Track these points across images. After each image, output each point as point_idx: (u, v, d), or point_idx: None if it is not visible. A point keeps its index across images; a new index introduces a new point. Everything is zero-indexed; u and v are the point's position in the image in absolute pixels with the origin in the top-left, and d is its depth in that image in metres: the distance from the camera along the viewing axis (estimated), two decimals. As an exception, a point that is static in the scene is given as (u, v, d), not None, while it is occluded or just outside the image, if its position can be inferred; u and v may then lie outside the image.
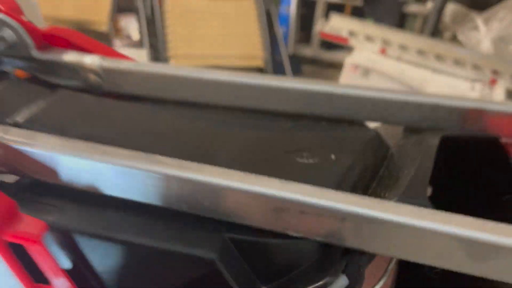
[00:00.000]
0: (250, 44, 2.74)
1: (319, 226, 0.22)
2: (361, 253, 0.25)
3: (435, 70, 2.38)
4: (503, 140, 0.34)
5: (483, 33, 2.57)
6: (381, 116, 0.36)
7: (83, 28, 2.43)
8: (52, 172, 0.25)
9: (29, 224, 0.25)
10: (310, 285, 0.23)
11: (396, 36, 2.51)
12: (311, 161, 0.30)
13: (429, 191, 0.32)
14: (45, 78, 0.38)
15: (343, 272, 0.24)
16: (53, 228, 0.24)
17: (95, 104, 0.35)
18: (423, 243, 0.22)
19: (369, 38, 2.52)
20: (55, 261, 0.25)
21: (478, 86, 2.26)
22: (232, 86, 0.38)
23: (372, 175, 0.29)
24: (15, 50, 0.38)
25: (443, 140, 0.32)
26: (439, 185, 0.32)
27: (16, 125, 0.29)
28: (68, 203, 0.26)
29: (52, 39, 0.41)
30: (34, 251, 0.25)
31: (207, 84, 0.38)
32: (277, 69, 2.85)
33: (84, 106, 0.35)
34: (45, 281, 0.25)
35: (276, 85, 0.38)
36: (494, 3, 2.92)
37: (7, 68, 0.40)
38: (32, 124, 0.29)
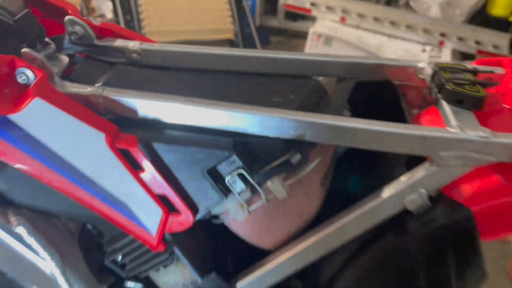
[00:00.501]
0: (220, 18, 2.89)
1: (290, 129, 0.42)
2: (309, 143, 0.45)
3: (390, 36, 2.61)
4: (394, 83, 0.55)
5: (432, -1, 2.81)
6: (321, 73, 0.57)
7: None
8: (132, 110, 0.44)
9: (127, 138, 0.44)
10: (279, 158, 0.44)
11: (354, 6, 2.71)
12: (280, 99, 0.50)
13: (348, 113, 0.54)
14: (102, 58, 0.56)
15: (300, 151, 0.45)
16: (139, 139, 0.43)
17: (141, 72, 0.54)
18: (351, 135, 0.42)
19: (329, 8, 2.72)
20: (144, 156, 0.44)
21: (428, 48, 2.50)
22: (226, 57, 0.58)
23: (316, 105, 0.50)
24: (82, 40, 0.56)
25: (357, 84, 0.53)
26: (356, 112, 0.53)
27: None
28: (144, 127, 0.45)
29: (102, 31, 0.60)
30: (133, 152, 0.44)
31: (207, 56, 0.57)
32: (246, 40, 3.00)
33: (135, 74, 0.54)
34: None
35: (255, 55, 0.57)
36: (444, -30, 3.14)
37: (72, 51, 0.58)
38: (110, 85, 0.47)
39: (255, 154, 0.46)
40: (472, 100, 0.45)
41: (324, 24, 2.64)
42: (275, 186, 0.45)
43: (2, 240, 0.51)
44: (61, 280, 0.53)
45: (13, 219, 0.51)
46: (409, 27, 2.57)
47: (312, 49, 2.62)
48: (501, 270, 1.90)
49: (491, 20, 2.75)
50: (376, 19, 2.62)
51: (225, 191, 0.46)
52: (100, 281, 0.57)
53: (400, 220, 0.48)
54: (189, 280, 0.54)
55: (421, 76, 0.54)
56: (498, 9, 2.79)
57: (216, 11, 2.87)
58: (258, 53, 0.59)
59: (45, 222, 0.53)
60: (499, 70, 0.54)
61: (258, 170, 0.45)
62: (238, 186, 0.45)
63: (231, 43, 2.94)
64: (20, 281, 0.54)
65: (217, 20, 2.87)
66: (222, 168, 0.45)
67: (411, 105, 0.57)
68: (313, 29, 2.59)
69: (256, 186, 0.45)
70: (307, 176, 0.48)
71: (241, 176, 0.45)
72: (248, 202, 0.47)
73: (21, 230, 0.51)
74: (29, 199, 0.51)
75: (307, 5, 2.74)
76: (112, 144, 0.43)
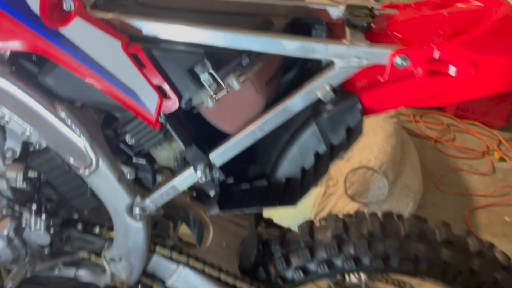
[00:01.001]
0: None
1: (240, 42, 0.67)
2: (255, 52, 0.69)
3: None
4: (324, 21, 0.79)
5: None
6: (274, 13, 0.81)
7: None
8: (138, 30, 0.69)
9: (135, 46, 0.69)
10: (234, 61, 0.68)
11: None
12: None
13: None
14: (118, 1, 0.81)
15: (248, 57, 0.69)
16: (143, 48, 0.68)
17: (148, 10, 0.78)
18: (276, 45, 0.66)
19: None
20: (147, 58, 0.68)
21: None
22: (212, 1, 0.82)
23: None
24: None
25: (293, 20, 0.77)
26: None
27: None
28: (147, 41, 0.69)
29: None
30: (139, 55, 0.69)
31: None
32: None
33: (143, 11, 0.78)
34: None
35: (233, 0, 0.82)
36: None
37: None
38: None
39: (219, 59, 0.70)
40: (359, 24, 0.69)
41: None
42: (232, 80, 0.69)
43: (51, 122, 0.76)
44: (90, 152, 0.77)
45: (58, 107, 0.75)
46: None
47: None
48: (460, 217, 2.16)
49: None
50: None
51: (200, 85, 0.70)
52: (116, 158, 0.82)
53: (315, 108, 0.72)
54: (177, 152, 0.79)
55: (339, 15, 0.78)
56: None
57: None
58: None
59: (79, 111, 0.77)
60: (394, 11, 0.77)
61: (221, 69, 0.69)
62: (208, 81, 0.69)
63: None
64: (61, 153, 0.79)
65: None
66: (198, 69, 0.69)
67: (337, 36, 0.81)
68: None
69: (220, 81, 0.69)
70: (255, 76, 0.72)
71: (210, 74, 0.69)
72: (215, 93, 0.71)
73: (63, 115, 0.75)
74: (70, 93, 0.75)
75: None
76: (125, 49, 0.67)
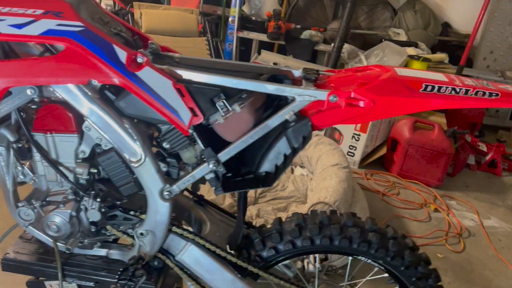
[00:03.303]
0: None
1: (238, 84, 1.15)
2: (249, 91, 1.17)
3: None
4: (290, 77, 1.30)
5: (364, 64, 3.70)
6: (260, 72, 1.32)
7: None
8: (179, 75, 1.17)
9: (179, 85, 1.15)
10: (237, 96, 1.15)
11: (305, 66, 3.57)
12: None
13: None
14: (164, 60, 1.30)
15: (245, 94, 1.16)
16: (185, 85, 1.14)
17: (184, 66, 1.28)
18: (265, 88, 1.14)
19: (288, 67, 3.57)
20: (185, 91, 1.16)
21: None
22: (224, 63, 1.32)
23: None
24: (155, 51, 1.30)
25: (271, 76, 1.28)
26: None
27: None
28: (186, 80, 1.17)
29: (163, 49, 1.34)
30: (180, 88, 1.15)
31: (216, 62, 1.32)
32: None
33: (181, 66, 1.27)
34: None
35: (237, 63, 1.33)
36: (377, 44, 4.10)
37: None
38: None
39: (229, 93, 1.18)
40: (310, 78, 1.20)
41: (283, 77, 3.44)
42: (235, 106, 1.17)
43: (119, 130, 1.20)
44: (140, 150, 1.21)
45: (124, 121, 1.20)
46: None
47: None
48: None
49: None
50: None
51: (216, 109, 1.18)
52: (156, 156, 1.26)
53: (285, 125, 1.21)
54: (198, 152, 1.24)
55: (299, 74, 1.29)
56: (412, 74, 3.71)
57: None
58: (237, 62, 1.33)
59: (136, 125, 1.22)
60: (331, 74, 1.30)
61: (229, 99, 1.17)
62: (221, 106, 1.17)
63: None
64: (121, 151, 1.22)
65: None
66: (215, 99, 1.17)
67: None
68: (274, 80, 3.39)
69: (229, 106, 1.17)
70: (249, 104, 1.20)
71: (223, 102, 1.17)
72: (225, 114, 1.19)
73: (127, 125, 1.20)
74: (132, 112, 1.21)
75: (271, 64, 3.56)
76: (174, 85, 1.15)
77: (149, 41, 1.30)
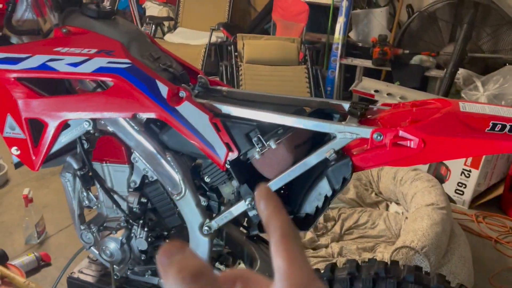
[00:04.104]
0: (300, 94, 3.68)
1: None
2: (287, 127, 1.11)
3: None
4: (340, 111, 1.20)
5: (481, 91, 3.30)
6: (307, 105, 1.24)
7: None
8: (219, 110, 1.17)
9: (215, 119, 1.15)
10: (274, 132, 1.10)
11: (411, 94, 3.32)
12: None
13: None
14: (211, 94, 1.31)
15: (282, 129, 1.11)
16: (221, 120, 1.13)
17: (228, 99, 1.27)
18: (308, 125, 1.08)
19: (390, 95, 3.36)
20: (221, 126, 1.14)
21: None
22: (272, 97, 1.29)
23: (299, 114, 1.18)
24: (203, 85, 1.33)
25: (317, 110, 1.19)
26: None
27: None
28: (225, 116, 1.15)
29: (212, 83, 1.36)
30: (217, 123, 1.14)
31: (263, 96, 1.29)
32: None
33: (225, 100, 1.27)
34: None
35: (284, 97, 1.27)
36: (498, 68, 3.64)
37: (199, 90, 1.35)
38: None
39: (265, 128, 1.13)
40: (355, 113, 1.09)
41: (383, 106, 3.24)
42: (271, 142, 1.11)
43: (162, 162, 1.23)
44: (181, 183, 1.22)
45: (167, 154, 1.22)
46: (456, 113, 3.05)
47: (372, 125, 3.21)
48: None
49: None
50: (428, 105, 3.16)
51: (252, 144, 1.13)
52: (197, 190, 1.25)
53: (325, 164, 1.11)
54: (235, 188, 1.21)
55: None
56: (540, 103, 3.19)
57: (298, 94, 3.64)
58: (282, 95, 1.28)
59: (178, 158, 1.24)
60: (387, 108, 1.16)
61: (265, 135, 1.12)
62: (257, 142, 1.12)
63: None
64: (163, 183, 1.24)
65: (297, 94, 3.62)
66: (252, 134, 1.13)
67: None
68: (372, 109, 3.21)
69: (264, 142, 1.12)
70: (287, 140, 1.13)
71: (259, 138, 1.12)
72: (261, 150, 1.14)
73: (169, 158, 1.22)
74: (175, 146, 1.23)
75: (372, 92, 3.39)
76: (211, 120, 1.13)
77: (199, 76, 1.32)
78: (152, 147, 1.22)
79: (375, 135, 1.02)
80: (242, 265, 1.56)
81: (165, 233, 1.38)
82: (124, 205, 1.35)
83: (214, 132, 1.14)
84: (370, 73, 4.17)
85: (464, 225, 2.80)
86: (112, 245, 1.36)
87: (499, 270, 2.53)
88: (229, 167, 1.17)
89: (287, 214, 0.33)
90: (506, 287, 2.38)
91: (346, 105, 1.21)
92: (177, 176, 1.22)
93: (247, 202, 1.16)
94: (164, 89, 1.16)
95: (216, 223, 1.23)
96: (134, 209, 1.35)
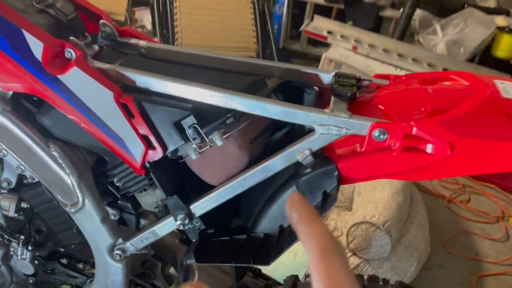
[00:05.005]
0: (245, 38, 3.21)
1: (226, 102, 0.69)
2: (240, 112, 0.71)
3: (397, 67, 2.84)
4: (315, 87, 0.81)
5: (440, 36, 3.03)
6: (269, 74, 0.84)
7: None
8: (132, 81, 0.72)
9: (126, 97, 0.73)
10: (219, 119, 0.70)
11: (367, 36, 2.97)
12: (230, 86, 0.77)
13: (275, 98, 0.80)
14: (121, 50, 0.85)
15: (233, 116, 0.71)
16: (134, 98, 0.71)
17: (143, 61, 0.83)
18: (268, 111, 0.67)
19: (343, 37, 2.99)
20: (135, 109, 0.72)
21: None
22: (206, 57, 0.85)
23: (255, 92, 0.77)
24: (109, 37, 0.86)
25: (283, 83, 0.79)
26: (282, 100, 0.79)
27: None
28: (139, 91, 0.73)
29: (123, 33, 0.89)
30: (129, 106, 0.72)
31: (194, 55, 0.86)
32: (267, 59, 3.30)
33: (139, 61, 0.82)
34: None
35: (229, 59, 0.85)
36: (458, 11, 3.37)
37: (102, 44, 0.88)
38: (122, 65, 0.75)
39: (205, 115, 0.72)
40: (344, 94, 0.71)
41: (337, 50, 2.90)
42: (215, 137, 0.72)
43: (43, 159, 0.79)
44: (77, 191, 0.80)
45: (51, 145, 0.79)
46: (415, 60, 2.80)
47: (324, 72, 2.87)
48: (467, 283, 2.08)
49: (494, 61, 2.95)
50: (385, 51, 2.87)
51: (185, 138, 0.73)
52: (103, 199, 0.84)
53: (296, 169, 0.73)
54: (160, 199, 0.81)
55: (329, 81, 0.80)
56: (501, 51, 2.99)
57: (242, 31, 3.18)
58: (229, 57, 0.86)
59: (71, 151, 0.81)
60: (382, 82, 0.79)
61: (206, 125, 0.72)
62: (193, 135, 0.72)
63: (253, 60, 3.24)
64: (50, 189, 0.82)
65: (242, 39, 3.18)
66: (184, 122, 0.72)
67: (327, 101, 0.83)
68: (326, 54, 2.86)
69: (204, 136, 0.72)
70: (239, 134, 0.74)
71: (195, 129, 0.72)
72: (199, 147, 0.74)
73: (55, 154, 0.79)
74: (63, 135, 0.79)
75: (324, 33, 3.01)
76: (117, 100, 0.70)
77: (101, 21, 0.85)
78: (24, 134, 0.78)
79: (376, 133, 0.65)
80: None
81: (61, 249, 0.97)
82: (-5, 212, 0.92)
83: (124, 118, 0.71)
84: (320, 10, 3.76)
85: (416, 183, 2.61)
86: (-19, 268, 0.94)
87: (454, 234, 2.39)
88: (149, 170, 0.76)
89: (325, 226, 0.31)
90: (460, 253, 2.25)
91: (324, 75, 0.82)
92: (69, 180, 0.80)
93: (178, 221, 0.78)
94: (37, 45, 0.70)
95: (132, 245, 0.84)
96: (12, 217, 0.92)
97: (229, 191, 0.76)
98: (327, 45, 3.26)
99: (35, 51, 0.70)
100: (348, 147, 0.71)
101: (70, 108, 0.73)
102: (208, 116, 0.73)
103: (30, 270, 0.93)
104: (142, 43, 0.86)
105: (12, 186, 0.88)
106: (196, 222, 0.80)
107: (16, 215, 0.90)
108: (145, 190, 0.82)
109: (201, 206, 0.78)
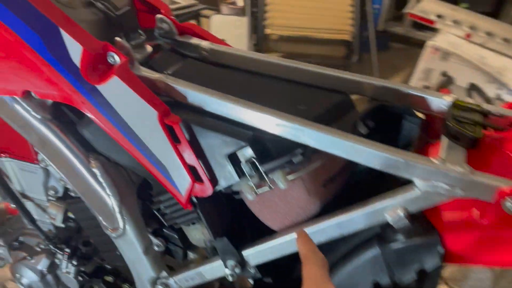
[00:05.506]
0: (340, 19, 2.95)
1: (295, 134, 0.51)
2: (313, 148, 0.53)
3: (518, 60, 2.41)
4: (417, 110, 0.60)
5: None
6: (357, 91, 0.64)
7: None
8: (183, 96, 0.57)
9: (173, 117, 0.58)
10: (284, 155, 0.53)
11: (485, 23, 2.55)
12: (304, 108, 0.59)
13: (364, 128, 0.60)
14: (179, 51, 0.71)
15: (302, 154, 0.53)
16: (183, 120, 0.56)
17: (205, 69, 0.68)
18: (341, 148, 0.49)
19: (456, 22, 2.60)
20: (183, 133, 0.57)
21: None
22: (278, 65, 0.68)
23: (338, 117, 0.58)
24: (167, 34, 0.72)
25: (379, 106, 0.59)
26: (372, 129, 0.60)
27: (169, 74, 0.62)
28: (189, 111, 0.57)
29: (184, 30, 0.74)
30: (176, 129, 0.57)
31: (262, 62, 0.68)
32: (364, 43, 3.01)
33: (198, 69, 0.67)
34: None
35: (304, 68, 0.66)
36: None
37: (161, 42, 0.74)
38: (175, 75, 0.61)
39: (267, 148, 0.56)
40: (465, 138, 0.50)
41: (445, 38, 2.53)
42: (278, 177, 0.55)
43: (83, 175, 0.69)
44: (118, 216, 0.69)
45: (92, 161, 0.68)
46: (541, 53, 2.35)
47: (428, 62, 2.54)
48: None
49: None
50: (506, 40, 2.44)
51: (240, 173, 0.57)
52: (147, 224, 0.72)
53: (384, 229, 0.55)
54: (208, 239, 0.67)
55: (442, 108, 0.58)
56: None
57: (338, 11, 2.92)
58: (307, 67, 0.68)
59: (114, 169, 0.69)
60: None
61: (267, 161, 0.56)
62: (250, 171, 0.56)
63: (347, 44, 2.98)
64: (91, 208, 0.72)
65: (337, 20, 2.93)
66: (241, 154, 0.56)
67: (436, 133, 0.62)
68: (432, 42, 2.50)
69: (264, 174, 0.56)
70: (309, 175, 0.56)
71: (253, 164, 0.56)
72: (257, 186, 0.58)
73: (96, 171, 0.68)
74: (105, 150, 0.67)
75: (432, 17, 2.64)
76: (161, 120, 0.57)
77: (157, 16, 0.71)
78: (64, 146, 0.67)
79: (508, 202, 0.44)
80: None
81: (107, 266, 0.88)
82: (44, 219, 0.85)
83: (169, 143, 0.57)
84: (430, -12, 3.32)
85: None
86: (29, 275, 0.88)
87: None
88: (197, 206, 0.62)
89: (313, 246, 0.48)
90: None
91: (435, 101, 0.60)
92: (109, 202, 0.68)
93: (227, 270, 0.63)
94: (75, 48, 0.58)
95: (176, 283, 0.72)
96: (56, 228, 0.85)
97: (291, 244, 0.59)
98: (434, 30, 2.87)
99: (73, 55, 0.58)
100: (461, 211, 0.50)
101: (108, 123, 0.60)
102: (271, 150, 0.56)
103: (74, 285, 0.86)
104: (205, 44, 0.71)
105: (59, 194, 0.80)
106: (250, 270, 0.65)
107: (63, 225, 0.82)
108: (193, 224, 0.68)
109: (256, 255, 0.63)
